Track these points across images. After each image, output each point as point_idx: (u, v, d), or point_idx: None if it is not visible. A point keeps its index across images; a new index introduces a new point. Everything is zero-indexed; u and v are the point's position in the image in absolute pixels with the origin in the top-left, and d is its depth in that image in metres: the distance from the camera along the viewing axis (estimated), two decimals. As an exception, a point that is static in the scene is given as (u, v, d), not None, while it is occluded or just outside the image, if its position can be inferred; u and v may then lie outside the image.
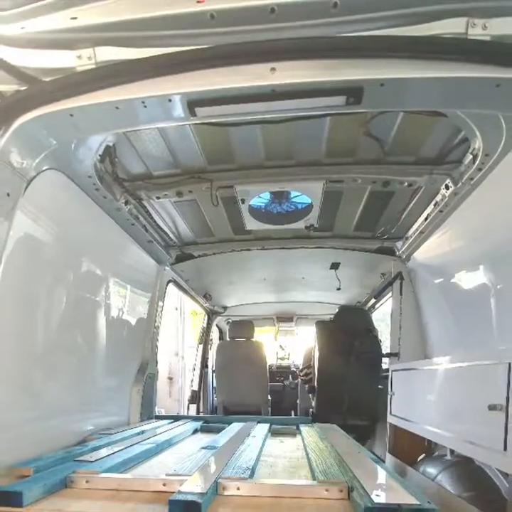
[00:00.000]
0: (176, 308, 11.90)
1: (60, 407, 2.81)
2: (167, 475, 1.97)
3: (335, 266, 5.33)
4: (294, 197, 3.63)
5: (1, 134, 1.93)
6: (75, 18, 1.77)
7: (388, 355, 4.50)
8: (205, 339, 8.00)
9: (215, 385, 7.56)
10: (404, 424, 3.27)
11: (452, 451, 2.82)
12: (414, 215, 3.75)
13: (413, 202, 3.56)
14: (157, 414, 4.57)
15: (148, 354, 4.34)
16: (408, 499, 1.56)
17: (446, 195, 2.98)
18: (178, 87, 1.83)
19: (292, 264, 5.49)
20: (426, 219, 3.49)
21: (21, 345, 2.40)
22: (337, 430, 3.59)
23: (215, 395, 7.62)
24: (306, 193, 3.53)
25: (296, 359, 9.87)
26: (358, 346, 5.37)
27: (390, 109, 2.36)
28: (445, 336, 3.78)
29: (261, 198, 3.62)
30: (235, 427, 3.56)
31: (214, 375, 7.72)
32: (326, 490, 1.80)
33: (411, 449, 3.41)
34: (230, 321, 8.20)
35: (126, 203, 3.25)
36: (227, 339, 7.85)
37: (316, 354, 5.72)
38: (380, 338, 5.99)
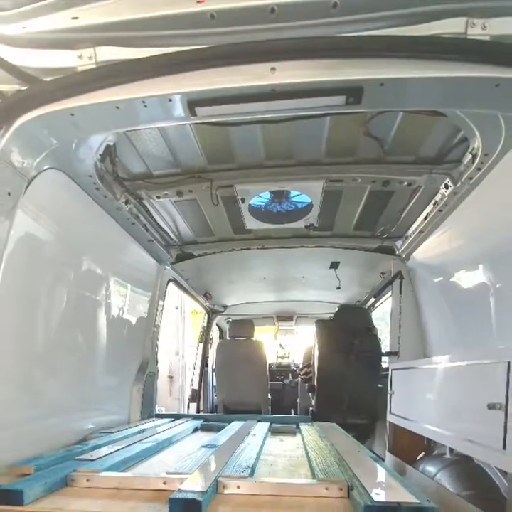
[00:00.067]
0: (177, 308, 11.90)
1: (61, 406, 2.82)
2: (167, 473, 1.98)
3: (335, 265, 5.33)
4: (294, 196, 3.63)
5: (1, 133, 1.93)
6: (76, 18, 1.77)
7: (388, 354, 4.51)
8: (205, 338, 8.00)
9: (215, 383, 7.56)
10: (403, 422, 3.27)
11: (451, 450, 2.83)
12: (414, 215, 3.75)
13: (413, 201, 3.57)
14: (157, 413, 4.58)
15: (149, 353, 4.35)
16: (407, 497, 1.57)
17: (446, 194, 2.99)
18: (178, 86, 1.84)
19: (292, 264, 5.49)
20: (425, 218, 3.49)
21: (22, 344, 2.40)
22: (337, 429, 3.60)
23: (215, 394, 7.63)
24: (305, 193, 3.54)
25: (296, 358, 9.87)
26: (358, 345, 5.38)
27: (390, 108, 2.37)
28: (445, 334, 3.78)
29: (261, 198, 3.62)
30: (235, 426, 3.56)
31: (214, 374, 7.72)
32: (326, 488, 1.80)
33: (410, 448, 3.41)
34: (230, 320, 8.20)
35: (127, 202, 3.25)
36: (227, 338, 7.86)
37: (316, 353, 5.73)
38: (379, 337, 6.00)
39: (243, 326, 7.41)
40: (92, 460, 2.20)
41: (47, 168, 2.32)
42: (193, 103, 1.93)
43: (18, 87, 1.92)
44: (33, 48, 1.86)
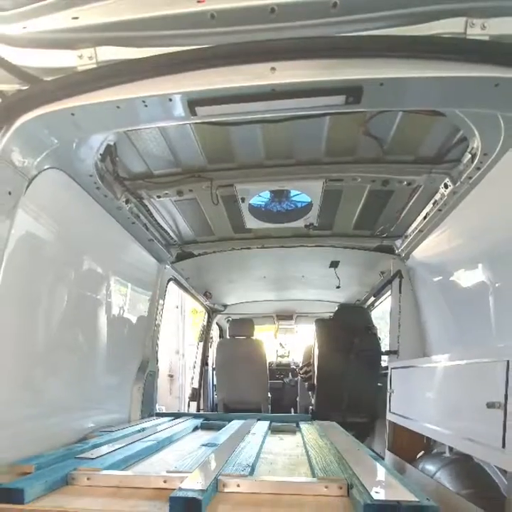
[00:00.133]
0: (177, 307, 11.91)
1: (61, 405, 2.82)
2: (168, 472, 1.98)
3: (334, 264, 5.34)
4: (294, 196, 3.64)
5: (2, 133, 1.93)
6: (77, 18, 1.77)
7: (387, 352, 4.52)
8: (205, 337, 8.01)
9: (215, 382, 7.58)
10: (403, 421, 3.28)
11: (451, 449, 2.83)
12: (413, 214, 3.76)
13: (412, 201, 3.57)
14: (158, 411, 4.59)
15: (149, 352, 4.35)
16: (407, 496, 1.57)
17: (445, 194, 2.99)
18: (178, 86, 1.84)
19: (292, 263, 5.49)
20: (425, 218, 3.50)
21: (22, 343, 2.41)
22: (336, 427, 3.61)
23: (215, 393, 7.65)
24: (305, 192, 3.54)
25: (295, 357, 9.90)
26: (358, 344, 5.39)
27: (389, 108, 2.37)
28: (444, 333, 3.79)
29: (261, 197, 3.62)
30: (235, 425, 3.57)
31: (214, 372, 7.74)
32: (326, 487, 1.81)
33: (410, 447, 3.42)
34: (230, 319, 8.22)
35: (127, 201, 3.26)
36: (228, 337, 7.89)
37: (316, 352, 5.74)
38: (379, 335, 6.00)
39: (243, 325, 7.43)
40: (93, 459, 2.21)
41: (47, 168, 2.32)
42: (194, 103, 1.93)
43: (19, 86, 1.92)
44: (34, 48, 1.86)
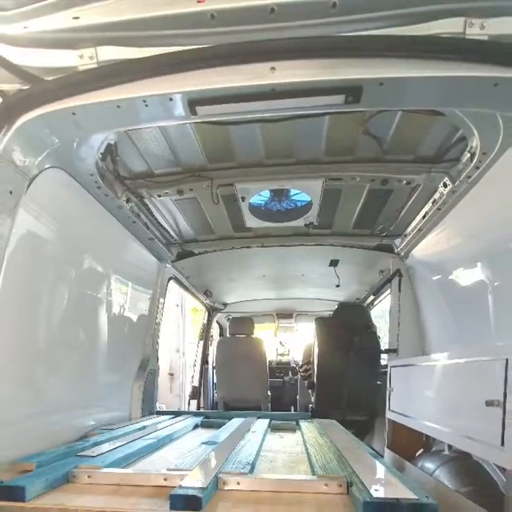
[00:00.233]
0: (177, 305, 11.91)
1: (62, 403, 2.83)
2: (168, 470, 1.99)
3: (334, 263, 5.35)
4: (294, 195, 3.64)
5: (3, 132, 1.94)
6: (77, 18, 1.77)
7: (387, 351, 4.52)
8: (205, 336, 8.02)
9: (215, 380, 7.59)
10: (402, 419, 3.29)
11: (450, 447, 2.84)
12: (413, 213, 3.76)
13: (411, 200, 3.58)
14: (158, 409, 4.59)
15: (150, 350, 4.36)
16: (406, 494, 1.58)
17: (444, 193, 3.00)
18: (178, 86, 1.85)
19: (292, 262, 5.50)
20: (424, 217, 3.50)
21: (24, 341, 2.41)
22: (336, 425, 3.62)
23: (215, 391, 7.66)
24: (305, 191, 3.55)
25: (295, 355, 9.91)
26: (357, 342, 5.40)
27: (389, 108, 2.38)
28: (443, 332, 3.79)
29: (261, 196, 3.63)
30: (235, 423, 3.58)
31: (214, 371, 7.75)
32: (326, 485, 1.82)
33: (409, 445, 3.43)
34: (230, 317, 8.22)
35: (128, 200, 3.26)
36: (228, 336, 7.90)
37: (316, 350, 5.75)
38: (378, 334, 6.01)
39: (243, 324, 7.45)
40: (94, 456, 2.22)
41: (48, 167, 2.33)
42: (194, 102, 1.93)
43: (20, 86, 1.93)
44: (35, 48, 1.87)
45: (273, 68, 1.76)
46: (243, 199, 3.58)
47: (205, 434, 3.36)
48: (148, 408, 4.22)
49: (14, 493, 1.67)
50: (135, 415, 3.99)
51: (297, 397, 7.76)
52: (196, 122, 2.61)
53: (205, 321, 8.08)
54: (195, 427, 3.78)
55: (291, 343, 10.53)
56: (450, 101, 1.96)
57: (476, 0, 1.65)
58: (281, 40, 1.75)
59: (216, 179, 3.35)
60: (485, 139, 2.32)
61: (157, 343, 4.54)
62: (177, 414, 4.34)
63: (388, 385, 3.71)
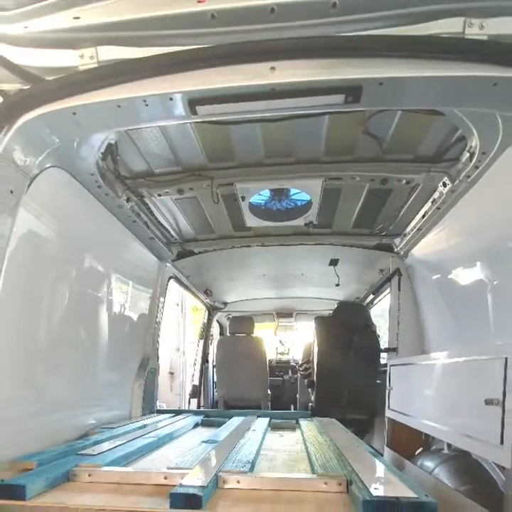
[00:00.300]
0: (177, 304, 11.91)
1: (63, 402, 2.84)
2: (168, 468, 1.99)
3: (334, 262, 5.35)
4: (294, 194, 3.65)
5: (4, 132, 1.94)
6: (78, 18, 1.78)
7: (386, 350, 4.53)
8: (205, 334, 8.03)
9: (215, 379, 7.60)
10: (402, 418, 3.30)
11: (449, 445, 2.84)
12: (412, 212, 3.77)
13: (411, 199, 3.59)
14: (158, 408, 4.61)
15: (150, 349, 4.37)
16: (406, 492, 1.58)
17: (444, 192, 3.00)
18: (179, 85, 1.85)
19: (292, 261, 5.50)
20: (424, 216, 3.51)
21: (24, 340, 2.42)
22: (336, 424, 3.63)
23: (215, 390, 7.66)
24: (305, 191, 3.55)
25: (295, 354, 9.92)
26: (357, 341, 5.41)
27: (389, 107, 2.38)
28: (443, 331, 3.80)
29: (261, 196, 3.64)
30: (235, 421, 3.59)
31: (214, 370, 7.75)
32: (325, 483, 1.82)
33: (409, 443, 3.44)
34: (231, 316, 8.23)
35: (128, 200, 3.27)
36: (228, 334, 7.91)
37: (315, 349, 5.76)
38: (378, 333, 6.02)
39: (243, 323, 7.45)
40: (94, 455, 2.22)
41: (49, 167, 2.33)
42: (194, 102, 1.94)
43: (21, 86, 1.93)
44: (35, 48, 1.87)
45: (273, 68, 1.77)
46: (243, 198, 3.59)
47: (206, 432, 3.36)
48: (149, 407, 4.23)
49: (15, 491, 1.67)
50: (135, 414, 4.00)
51: (297, 395, 7.77)
52: (196, 122, 2.61)
53: (206, 320, 8.09)
54: (196, 425, 3.78)
55: (291, 342, 10.54)
56: (449, 101, 1.96)
57: (475, 0, 1.65)
58: (281, 40, 1.75)
59: (216, 178, 3.35)
60: (484, 139, 2.33)
61: (157, 342, 4.54)
62: (177, 412, 4.34)
63: (388, 384, 3.72)
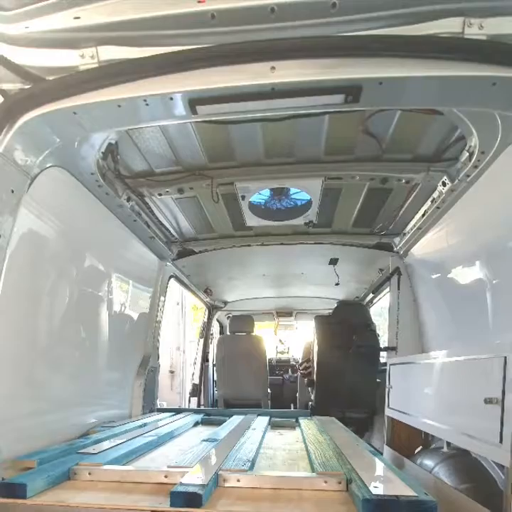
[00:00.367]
0: (178, 303, 11.91)
1: (64, 401, 2.85)
2: (169, 467, 2.01)
3: (333, 261, 5.36)
4: (294, 194, 3.66)
5: (5, 131, 1.94)
6: (78, 18, 1.78)
7: (386, 349, 4.54)
8: (205, 333, 8.04)
9: (215, 378, 7.60)
10: (401, 417, 3.30)
11: (449, 444, 2.84)
12: (412, 212, 3.78)
13: (410, 198, 3.60)
14: (159, 407, 4.62)
15: (150, 348, 4.38)
16: (406, 491, 1.59)
17: (443, 191, 3.01)
18: (179, 85, 1.85)
19: (292, 260, 5.51)
20: (423, 215, 3.51)
21: (25, 339, 2.43)
22: (336, 423, 3.64)
23: (215, 389, 7.66)
24: (305, 190, 3.56)
25: (295, 353, 9.92)
26: (357, 340, 5.41)
27: (388, 107, 2.39)
28: (442, 330, 3.81)
29: (261, 195, 3.65)
30: (235, 420, 3.60)
31: (214, 368, 7.76)
32: (325, 482, 1.83)
33: (408, 442, 3.44)
34: (231, 315, 8.23)
35: (129, 199, 3.27)
36: (228, 333, 7.91)
37: (315, 348, 5.77)
38: (377, 332, 6.02)
39: (243, 322, 7.45)
40: (95, 454, 2.23)
41: (50, 166, 2.34)
42: (194, 101, 1.94)
43: (22, 85, 1.94)
44: (36, 48, 1.88)
45: (273, 68, 1.77)
46: (243, 198, 3.59)
47: (206, 431, 3.37)
48: (149, 406, 4.24)
49: (16, 490, 1.69)
50: (136, 413, 4.01)
51: (297, 394, 7.76)
52: (196, 121, 2.62)
53: (206, 319, 8.10)
54: (196, 424, 3.79)
55: (291, 341, 10.55)
56: (449, 100, 1.97)
57: (474, 0, 1.66)
58: (281, 40, 1.76)
59: (216, 178, 3.36)
60: (483, 138, 2.33)
61: (158, 340, 4.56)
62: (177, 411, 4.35)
63: (387, 383, 3.72)
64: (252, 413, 4.11)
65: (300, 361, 7.20)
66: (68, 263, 2.85)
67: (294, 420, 3.77)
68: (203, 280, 6.37)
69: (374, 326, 6.00)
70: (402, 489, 1.62)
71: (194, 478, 1.76)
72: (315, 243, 4.75)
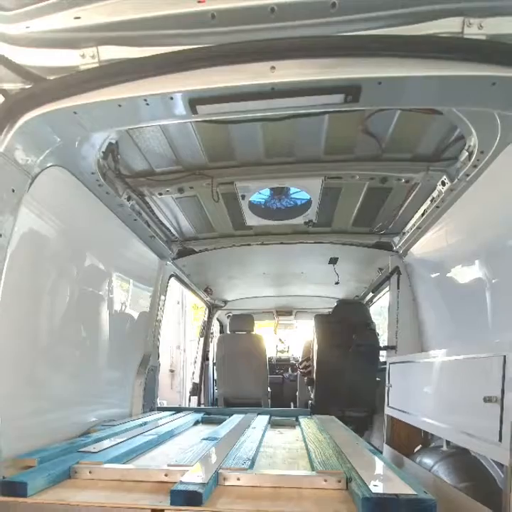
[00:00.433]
0: (178, 302, 11.92)
1: (64, 399, 2.85)
2: (169, 466, 2.01)
3: (333, 261, 5.36)
4: (294, 193, 3.66)
5: (6, 131, 1.95)
6: (79, 18, 1.78)
7: (385, 348, 4.54)
8: (206, 332, 8.04)
9: (215, 377, 7.61)
10: (401, 415, 3.31)
11: (448, 443, 2.85)
12: (411, 211, 3.78)
13: (410, 198, 3.60)
14: (159, 406, 4.62)
15: (150, 347, 4.39)
16: (405, 489, 1.60)
17: (443, 191, 3.01)
18: (179, 85, 1.86)
19: (291, 259, 5.52)
20: (422, 215, 3.52)
21: (26, 338, 2.43)
22: (335, 422, 3.64)
23: (215, 387, 7.67)
24: (305, 189, 3.56)
25: (295, 352, 9.94)
26: (356, 339, 5.42)
27: (388, 106, 2.39)
28: (441, 329, 3.81)
29: (261, 194, 3.65)
30: (235, 419, 3.61)
31: (215, 367, 7.77)
32: (325, 480, 1.84)
33: (408, 441, 3.45)
34: (231, 314, 8.24)
35: (129, 198, 3.28)
36: (228, 332, 7.92)
37: (315, 347, 5.77)
38: (377, 331, 6.03)
39: (243, 321, 7.45)
40: (95, 452, 2.24)
41: (50, 166, 2.34)
42: (194, 101, 1.94)
43: (22, 85, 1.94)
44: (37, 47, 1.88)
45: (273, 68, 1.77)
46: (243, 197, 3.60)
47: (206, 430, 3.38)
48: (149, 404, 4.25)
49: (16, 488, 1.69)
50: (136, 411, 4.02)
51: (297, 393, 7.77)
52: (197, 121, 2.62)
53: (206, 318, 8.10)
54: (196, 423, 3.80)
55: (290, 340, 10.56)
56: (448, 100, 1.97)
57: (474, 0, 1.66)
58: (281, 39, 1.76)
59: (216, 177, 3.36)
60: (483, 138, 2.34)
61: (158, 339, 4.56)
62: (178, 410, 4.36)
63: (387, 382, 3.73)
64: (252, 412, 4.11)
65: (300, 360, 7.20)
66: (69, 262, 2.85)
67: (293, 419, 3.78)
68: (203, 279, 6.37)
69: (374, 325, 6.01)
70: (402, 488, 1.63)
71: (194, 476, 1.76)
72: (315, 242, 4.75)
